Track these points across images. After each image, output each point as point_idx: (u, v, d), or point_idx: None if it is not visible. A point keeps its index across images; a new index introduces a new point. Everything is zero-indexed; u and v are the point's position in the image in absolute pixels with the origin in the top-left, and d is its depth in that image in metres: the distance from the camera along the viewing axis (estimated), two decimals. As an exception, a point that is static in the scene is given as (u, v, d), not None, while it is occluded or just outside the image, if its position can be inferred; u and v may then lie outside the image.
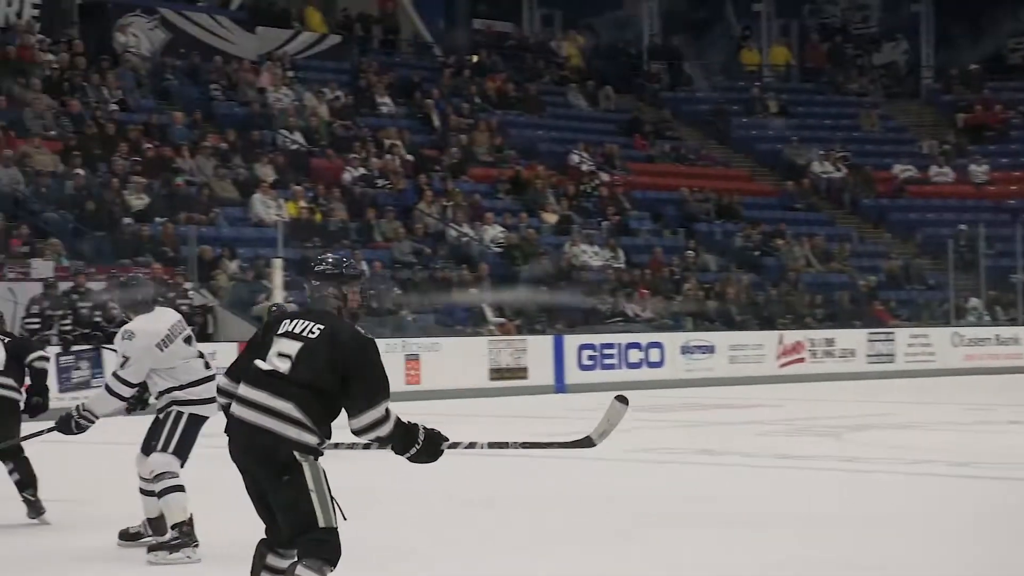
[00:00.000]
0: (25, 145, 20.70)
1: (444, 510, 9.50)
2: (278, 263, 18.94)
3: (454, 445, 5.47)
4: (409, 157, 25.36)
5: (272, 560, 5.21)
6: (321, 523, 5.07)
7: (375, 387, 5.12)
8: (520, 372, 20.38)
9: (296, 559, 5.09)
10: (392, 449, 5.23)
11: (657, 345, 21.90)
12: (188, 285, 18.84)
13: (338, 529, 5.12)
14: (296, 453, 5.05)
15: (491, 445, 5.88)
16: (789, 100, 32.80)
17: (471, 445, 5.76)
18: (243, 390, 5.16)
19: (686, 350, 22.08)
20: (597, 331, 21.96)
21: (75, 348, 16.36)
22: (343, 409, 5.18)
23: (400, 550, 7.94)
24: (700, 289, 23.95)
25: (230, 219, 21.61)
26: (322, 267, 5.36)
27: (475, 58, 30.61)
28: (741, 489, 10.52)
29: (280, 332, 5.20)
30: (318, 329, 5.16)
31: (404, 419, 5.21)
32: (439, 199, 24.15)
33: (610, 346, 21.49)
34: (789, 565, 7.43)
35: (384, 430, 5.12)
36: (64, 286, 17.56)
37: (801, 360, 23.22)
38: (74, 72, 23.33)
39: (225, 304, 19.29)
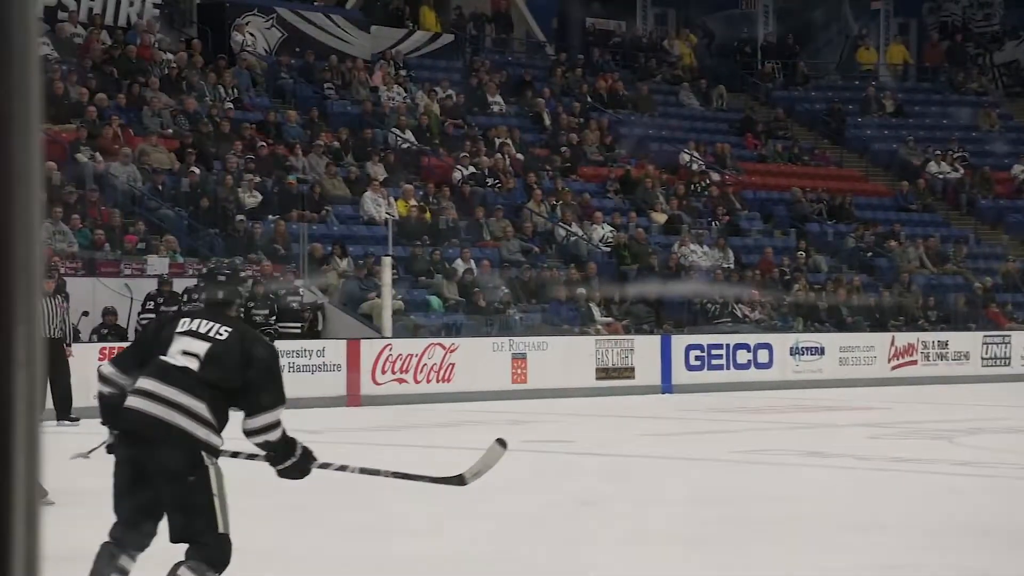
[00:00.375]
0: (143, 143, 21.08)
1: (556, 507, 9.51)
2: (387, 261, 19.13)
3: (325, 465, 5.55)
4: (519, 156, 25.42)
5: (124, 562, 5.18)
6: (220, 528, 5.10)
7: (277, 392, 5.23)
8: (627, 372, 20.31)
9: (182, 560, 5.08)
10: (268, 458, 5.28)
11: (766, 346, 21.70)
12: (299, 282, 19.06)
13: (230, 536, 5.14)
14: (204, 454, 5.09)
15: (362, 471, 5.90)
16: (905, 99, 32.33)
17: (342, 467, 5.80)
18: (150, 384, 5.12)
19: (795, 351, 21.86)
20: (705, 331, 21.82)
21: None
22: (235, 410, 5.23)
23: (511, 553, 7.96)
24: (810, 290, 23.70)
25: (341, 217, 21.83)
26: (244, 273, 5.52)
27: (593, 54, 30.57)
28: (851, 492, 10.41)
29: (181, 330, 5.23)
30: (226, 331, 5.23)
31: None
32: (548, 198, 24.17)
33: (718, 346, 21.33)
34: (899, 570, 7.33)
35: (275, 435, 5.19)
36: (180, 283, 17.80)
37: (913, 362, 22.88)
38: (191, 71, 23.72)
39: (335, 301, 19.50)
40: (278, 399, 5.22)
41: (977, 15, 35.80)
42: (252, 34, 26.08)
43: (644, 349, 20.58)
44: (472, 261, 21.32)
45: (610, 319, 21.35)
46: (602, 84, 29.12)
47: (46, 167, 18.92)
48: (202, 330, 5.22)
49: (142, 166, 20.52)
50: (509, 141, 25.56)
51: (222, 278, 5.41)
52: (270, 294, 18.38)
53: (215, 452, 5.13)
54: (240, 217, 20.25)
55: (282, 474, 5.34)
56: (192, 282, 17.79)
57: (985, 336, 23.89)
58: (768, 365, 21.59)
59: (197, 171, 20.75)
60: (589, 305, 21.37)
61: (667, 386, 20.60)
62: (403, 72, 26.87)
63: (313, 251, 19.98)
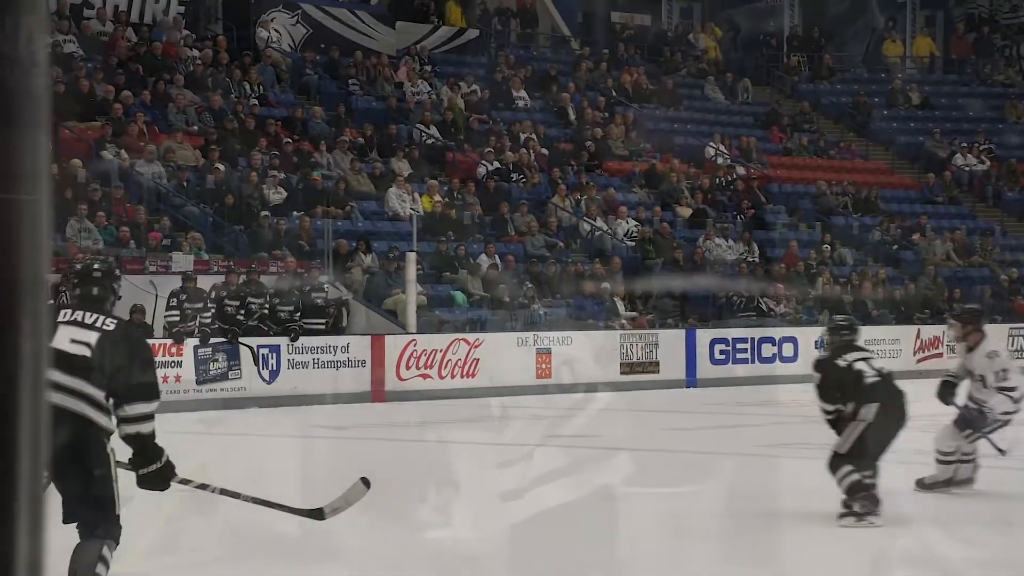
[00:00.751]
0: (168, 140, 21.15)
1: (582, 502, 9.52)
2: (412, 256, 19.16)
3: (186, 482, 5.69)
4: (544, 151, 25.41)
5: None
6: (117, 510, 5.35)
7: (154, 384, 5.41)
8: (651, 366, 20.30)
9: (90, 538, 5.30)
10: (134, 460, 5.41)
11: (791, 339, 21.63)
12: (323, 278, 19.10)
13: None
14: (106, 441, 5.29)
15: (223, 492, 6.00)
16: (932, 92, 32.21)
17: (203, 486, 5.92)
18: (52, 374, 5.19)
19: (820, 344, 21.71)
20: (729, 325, 21.79)
21: (213, 341, 16.71)
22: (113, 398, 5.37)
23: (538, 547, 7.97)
24: (836, 283, 23.64)
25: (365, 213, 21.86)
26: (118, 270, 5.87)
27: (618, 49, 30.54)
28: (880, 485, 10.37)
29: (63, 320, 5.36)
30: (112, 322, 5.42)
31: None
32: (573, 193, 24.16)
33: (743, 340, 21.28)
34: (919, 564, 7.32)
35: (148, 427, 5.35)
36: (204, 280, 17.84)
37: (939, 355, 22.75)
38: (216, 68, 23.79)
39: (359, 297, 19.54)
40: (154, 392, 5.39)
41: (1004, 7, 35.64)
42: (277, 31, 26.15)
43: (669, 343, 20.56)
44: (496, 256, 21.32)
45: (635, 313, 21.33)
46: (627, 78, 29.08)
47: (72, 164, 19.02)
48: (88, 320, 5.37)
49: (167, 163, 20.58)
50: (534, 136, 25.55)
51: (97, 274, 5.57)
52: (295, 290, 18.41)
53: (110, 436, 5.32)
54: (265, 213, 20.29)
55: (143, 481, 5.46)
56: (219, 279, 17.87)
57: (1011, 328, 23.76)
58: (793, 359, 21.48)
59: (222, 168, 20.80)
60: (614, 300, 21.36)
61: (692, 380, 20.57)
62: (428, 67, 26.90)
63: (338, 247, 20.01)
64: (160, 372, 15.98)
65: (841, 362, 8.67)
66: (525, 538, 8.10)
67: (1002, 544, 7.91)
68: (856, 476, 8.37)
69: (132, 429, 5.31)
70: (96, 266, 5.68)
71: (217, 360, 16.60)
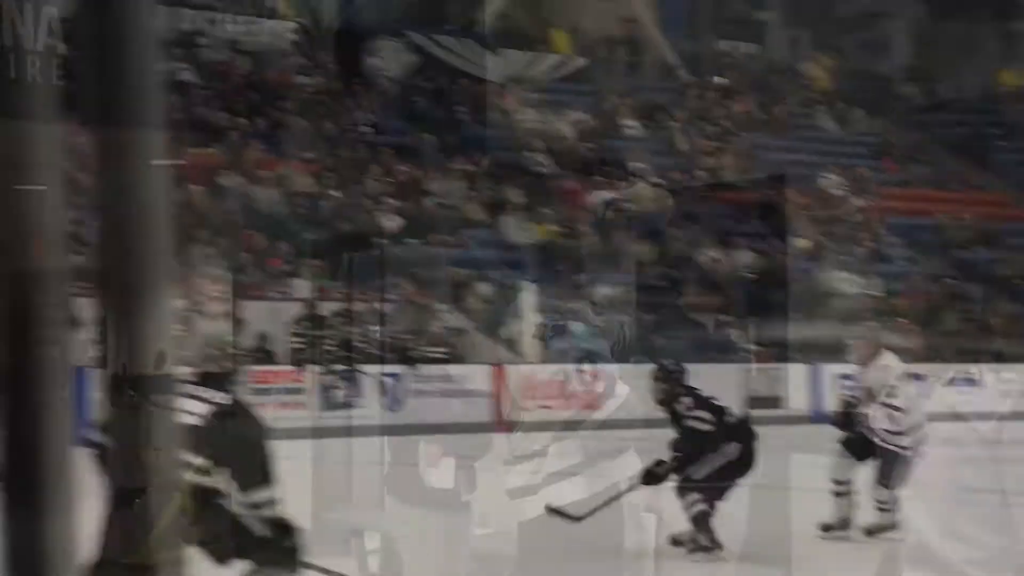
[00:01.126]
0: (283, 167, 21.11)
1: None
2: (528, 286, 18.93)
3: (310, 566, 5.70)
4: (656, 180, 25.09)
5: None
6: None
7: (270, 468, 5.42)
8: (775, 400, 19.84)
9: None
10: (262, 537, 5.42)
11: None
12: (441, 307, 18.91)
13: None
14: (220, 502, 5.30)
15: None
16: (1052, 120, 31.55)
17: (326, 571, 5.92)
18: None
19: (951, 381, 21.20)
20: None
21: (335, 368, 16.59)
22: None
23: None
24: (963, 320, 23.05)
25: (480, 241, 21.66)
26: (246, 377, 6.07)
27: (722, 78, 30.24)
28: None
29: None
30: (227, 397, 5.47)
31: None
32: (687, 223, 23.80)
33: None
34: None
35: (270, 511, 5.37)
36: (326, 307, 17.76)
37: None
38: (329, 95, 23.75)
39: (478, 326, 19.31)
40: (271, 475, 5.39)
41: None
42: (387, 59, 26.11)
43: (793, 377, 20.15)
44: (613, 287, 21.01)
45: (756, 347, 20.90)
46: (736, 107, 28.72)
47: (193, 191, 18.98)
48: (203, 395, 5.42)
49: (283, 190, 20.53)
50: (645, 165, 25.25)
51: (224, 371, 5.63)
52: (413, 318, 18.24)
53: (217, 493, 5.32)
54: (380, 241, 20.16)
55: (272, 555, 5.42)
56: (338, 306, 17.75)
57: None
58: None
59: (336, 195, 20.73)
60: (733, 332, 20.96)
61: (817, 415, 20.06)
62: (536, 96, 26.73)
63: (454, 275, 19.82)
64: (284, 399, 16.04)
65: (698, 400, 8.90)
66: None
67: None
68: (703, 507, 8.50)
69: (255, 513, 5.31)
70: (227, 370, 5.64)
71: (339, 387, 16.48)
